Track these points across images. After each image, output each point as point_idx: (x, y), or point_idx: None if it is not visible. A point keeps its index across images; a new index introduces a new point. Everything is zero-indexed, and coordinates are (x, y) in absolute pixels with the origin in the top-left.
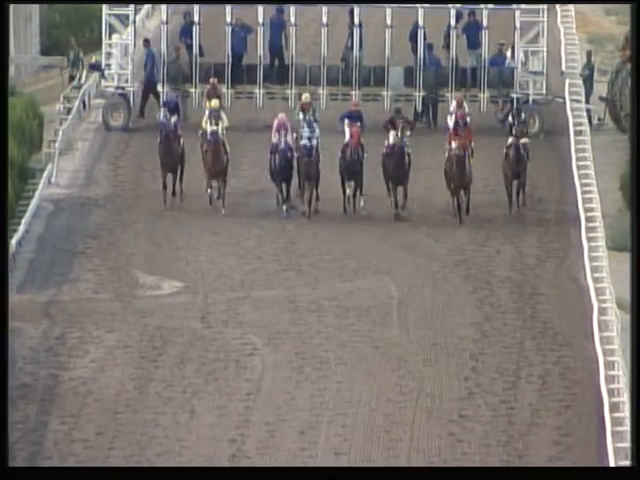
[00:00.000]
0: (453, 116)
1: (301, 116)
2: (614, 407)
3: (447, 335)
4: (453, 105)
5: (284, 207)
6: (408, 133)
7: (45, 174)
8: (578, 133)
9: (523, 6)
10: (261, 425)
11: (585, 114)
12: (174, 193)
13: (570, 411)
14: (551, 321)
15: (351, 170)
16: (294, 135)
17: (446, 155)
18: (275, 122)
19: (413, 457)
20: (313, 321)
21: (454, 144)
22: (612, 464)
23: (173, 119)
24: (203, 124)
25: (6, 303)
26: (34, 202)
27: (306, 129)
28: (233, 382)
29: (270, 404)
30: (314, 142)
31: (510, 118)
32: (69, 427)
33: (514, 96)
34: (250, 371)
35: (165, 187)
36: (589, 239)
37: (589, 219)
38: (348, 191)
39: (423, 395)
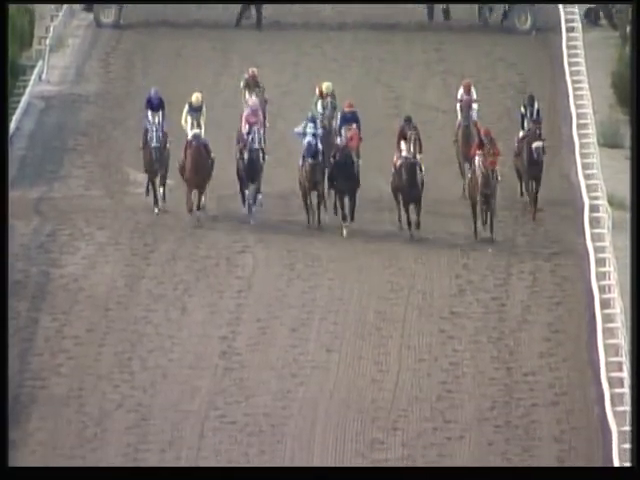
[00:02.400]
0: (473, 113)
1: (319, 106)
2: (605, 304)
3: (437, 231)
4: (460, 91)
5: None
6: (419, 156)
7: (36, 71)
8: (570, 30)
9: None
10: (252, 322)
11: (577, 10)
12: (156, 202)
13: (561, 308)
14: (542, 218)
15: (344, 174)
16: (265, 127)
17: (469, 175)
18: (246, 110)
19: (404, 354)
20: (304, 219)
21: (479, 160)
22: (602, 363)
23: (157, 118)
24: (182, 122)
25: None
26: (25, 99)
27: (310, 125)
28: (224, 279)
29: (261, 301)
30: (319, 144)
31: (522, 108)
32: (60, 324)
33: None
34: (241, 268)
35: (148, 192)
36: (580, 136)
37: (580, 116)
38: (338, 203)
39: (414, 292)
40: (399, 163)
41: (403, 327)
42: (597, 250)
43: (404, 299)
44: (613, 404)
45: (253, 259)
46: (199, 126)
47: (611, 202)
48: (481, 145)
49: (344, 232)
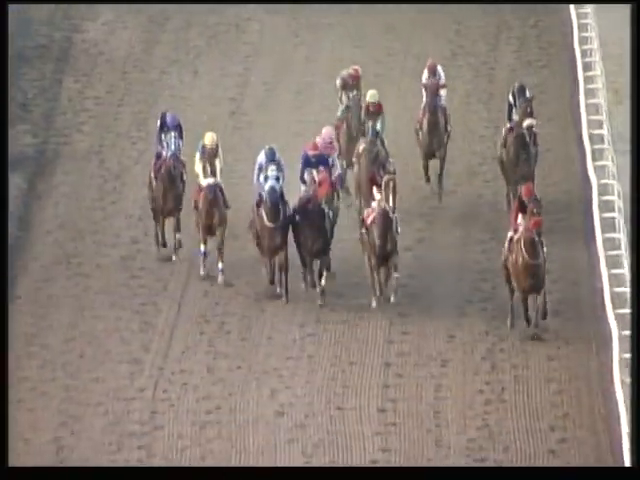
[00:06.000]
0: (440, 99)
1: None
2: (586, 67)
3: None
4: (425, 74)
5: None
6: (390, 205)
7: None
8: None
9: None
10: (259, 85)
11: None
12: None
13: (546, 70)
14: None
15: (314, 236)
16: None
17: (514, 236)
18: (318, 140)
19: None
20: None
21: (522, 224)
22: (584, 121)
23: (173, 147)
24: (195, 168)
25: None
26: None
27: (272, 167)
28: (233, 45)
29: (267, 65)
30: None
31: (510, 97)
32: (82, 85)
33: None
34: (249, 35)
35: (158, 241)
36: None
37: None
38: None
39: (409, 57)
40: (370, 221)
41: (399, 89)
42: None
43: (399, 64)
44: (594, 159)
45: (260, 26)
46: (213, 173)
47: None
48: (522, 209)
49: (319, 301)
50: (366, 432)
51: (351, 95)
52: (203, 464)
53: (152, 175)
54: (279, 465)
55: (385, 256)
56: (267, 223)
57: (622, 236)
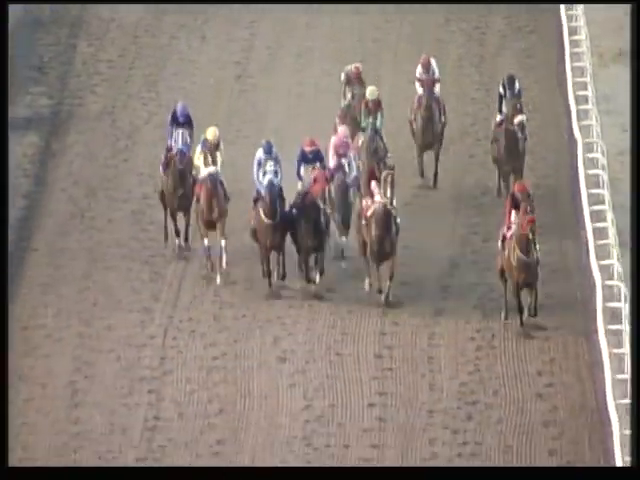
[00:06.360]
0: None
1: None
2: (571, 31)
3: None
4: (419, 70)
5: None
6: (391, 203)
7: None
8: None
9: None
10: (263, 49)
11: None
12: (186, 238)
13: (534, 35)
14: None
15: (310, 233)
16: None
17: (507, 234)
18: (334, 139)
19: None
20: None
21: (516, 222)
22: (570, 84)
23: (180, 144)
24: (195, 161)
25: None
26: None
27: (270, 162)
28: (238, 11)
29: (271, 31)
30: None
31: (500, 88)
32: (95, 49)
33: None
34: (254, 1)
35: (170, 233)
36: None
37: None
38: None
39: (405, 23)
40: (369, 219)
41: (396, 54)
42: None
43: (396, 30)
44: (579, 118)
45: None
46: (214, 163)
47: None
48: (515, 205)
49: (312, 290)
50: (364, 377)
51: (355, 91)
52: (210, 407)
53: (161, 169)
54: (281, 410)
55: (383, 256)
56: (265, 220)
57: (606, 192)
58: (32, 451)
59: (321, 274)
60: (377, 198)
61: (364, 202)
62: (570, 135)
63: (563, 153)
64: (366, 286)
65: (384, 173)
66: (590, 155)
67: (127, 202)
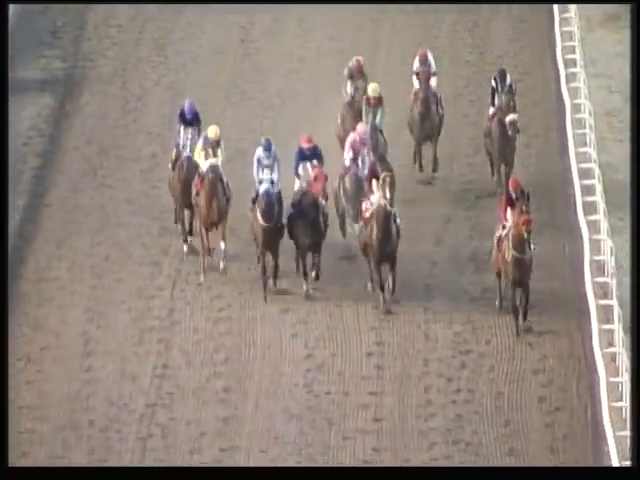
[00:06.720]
0: (431, 85)
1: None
2: (562, 9)
3: None
4: (416, 63)
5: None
6: (389, 204)
7: None
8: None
9: None
10: (266, 14)
11: None
12: (191, 232)
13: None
14: None
15: (306, 227)
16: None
17: (502, 233)
18: (352, 136)
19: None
20: None
21: (511, 221)
22: (559, 46)
23: (189, 149)
24: (196, 156)
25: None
26: None
27: (266, 170)
28: None
29: None
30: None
31: (493, 82)
32: (106, 14)
33: None
34: None
35: (184, 226)
36: None
37: None
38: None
39: None
40: (368, 219)
41: (393, 24)
42: None
43: (395, 6)
44: (567, 81)
45: None
46: (215, 156)
47: None
48: (510, 203)
49: (309, 292)
50: (362, 327)
51: (358, 85)
52: (216, 356)
53: (170, 166)
54: (284, 358)
55: (384, 257)
56: (261, 222)
57: (592, 151)
58: (47, 397)
59: (317, 278)
60: (375, 199)
61: (363, 205)
62: (559, 96)
63: (552, 114)
64: (368, 287)
65: (383, 175)
66: (578, 116)
67: (137, 161)
